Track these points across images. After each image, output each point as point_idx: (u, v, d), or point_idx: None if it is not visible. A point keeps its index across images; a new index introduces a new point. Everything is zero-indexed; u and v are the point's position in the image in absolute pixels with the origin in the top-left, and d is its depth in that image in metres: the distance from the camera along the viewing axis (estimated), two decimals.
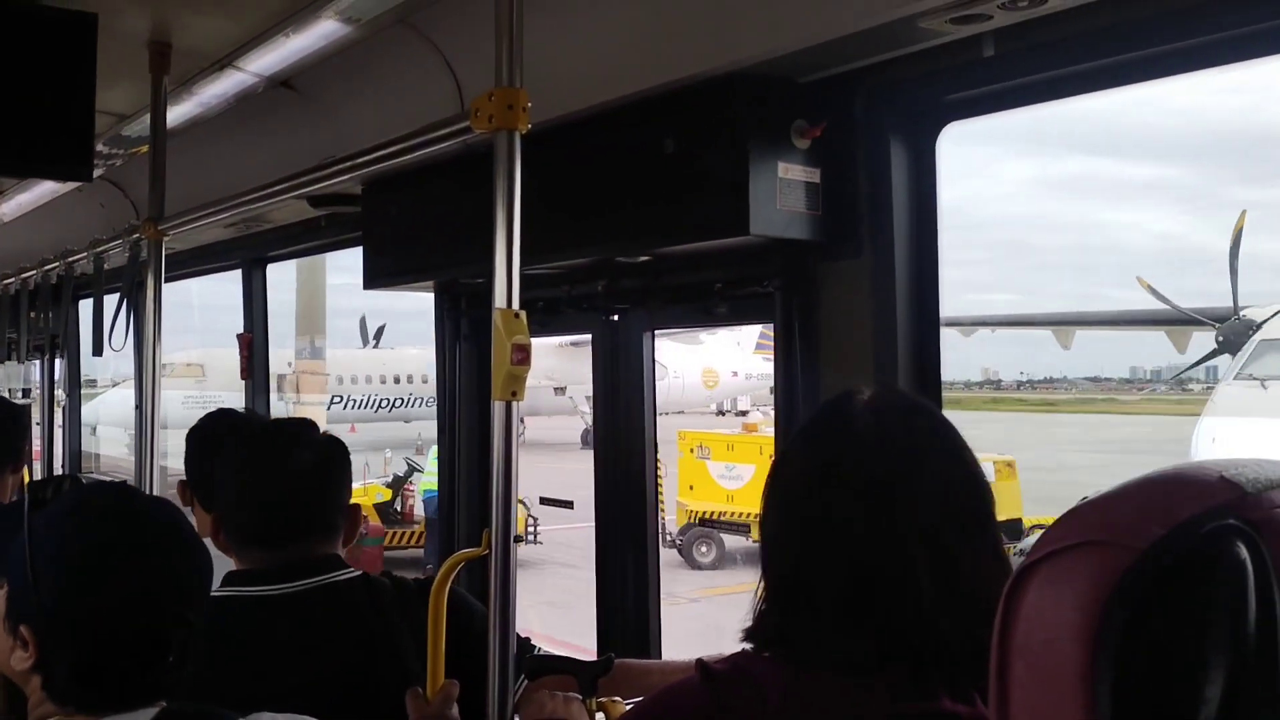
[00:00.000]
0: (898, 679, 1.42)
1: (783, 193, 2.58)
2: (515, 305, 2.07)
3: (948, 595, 1.44)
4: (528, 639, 2.43)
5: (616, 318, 3.45)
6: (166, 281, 4.14)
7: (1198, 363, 26.50)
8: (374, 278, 3.86)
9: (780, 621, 1.52)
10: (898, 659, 1.43)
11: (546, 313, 3.57)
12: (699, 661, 1.54)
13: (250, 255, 5.42)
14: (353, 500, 2.45)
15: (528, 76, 2.41)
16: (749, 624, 1.55)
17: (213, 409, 3.22)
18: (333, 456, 2.39)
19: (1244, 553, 1.05)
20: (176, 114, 4.06)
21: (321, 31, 3.18)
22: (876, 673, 1.43)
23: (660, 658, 3.45)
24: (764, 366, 41.18)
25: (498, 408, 2.03)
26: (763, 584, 1.56)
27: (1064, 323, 37.08)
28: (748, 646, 1.55)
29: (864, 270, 2.68)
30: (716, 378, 44.59)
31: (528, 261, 3.20)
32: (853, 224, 2.67)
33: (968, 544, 1.48)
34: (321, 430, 2.43)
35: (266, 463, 2.35)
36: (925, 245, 2.66)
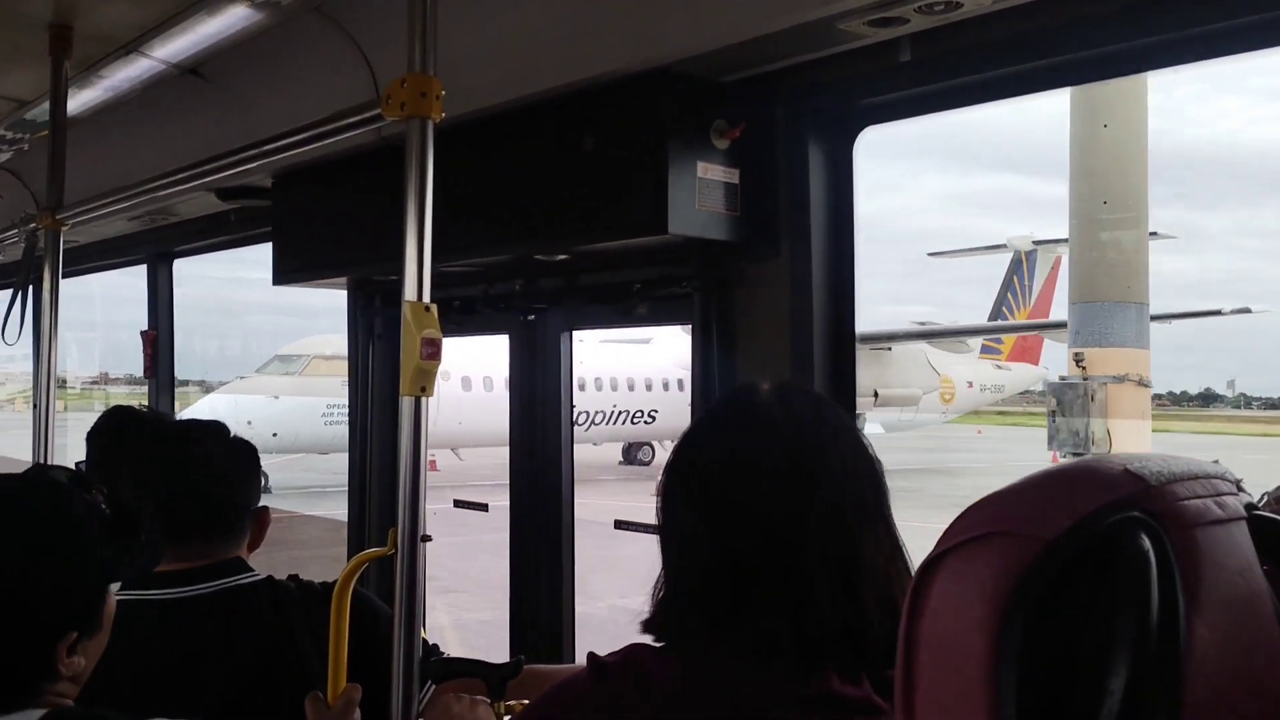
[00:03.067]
0: (789, 661, 1.43)
1: (702, 193, 2.57)
2: (426, 298, 2.02)
3: (845, 581, 1.45)
4: (435, 645, 2.37)
5: (534, 318, 3.41)
6: (66, 276, 3.99)
7: None
8: (284, 274, 3.76)
9: (677, 612, 1.51)
10: (791, 643, 1.43)
11: (462, 312, 3.52)
12: (590, 655, 1.53)
13: (156, 250, 5.25)
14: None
15: (444, 68, 2.35)
16: (646, 616, 1.54)
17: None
18: (240, 457, 2.33)
19: (1147, 545, 1.05)
20: (79, 101, 3.91)
21: (231, 17, 3.09)
22: (771, 657, 1.43)
23: (575, 661, 3.41)
24: (997, 375, 38.06)
25: (406, 404, 1.98)
26: (661, 576, 1.56)
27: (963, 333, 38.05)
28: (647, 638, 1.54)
29: (781, 271, 2.69)
30: (953, 390, 37.61)
31: (443, 259, 3.15)
32: (771, 225, 2.67)
33: (867, 531, 1.50)
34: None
35: (168, 460, 2.27)
36: (842, 247, 2.68)
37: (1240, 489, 1.27)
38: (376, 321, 3.82)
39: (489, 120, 2.88)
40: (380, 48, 3.03)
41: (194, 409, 23.60)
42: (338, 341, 27.13)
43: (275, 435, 23.01)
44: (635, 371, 30.45)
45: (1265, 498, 1.55)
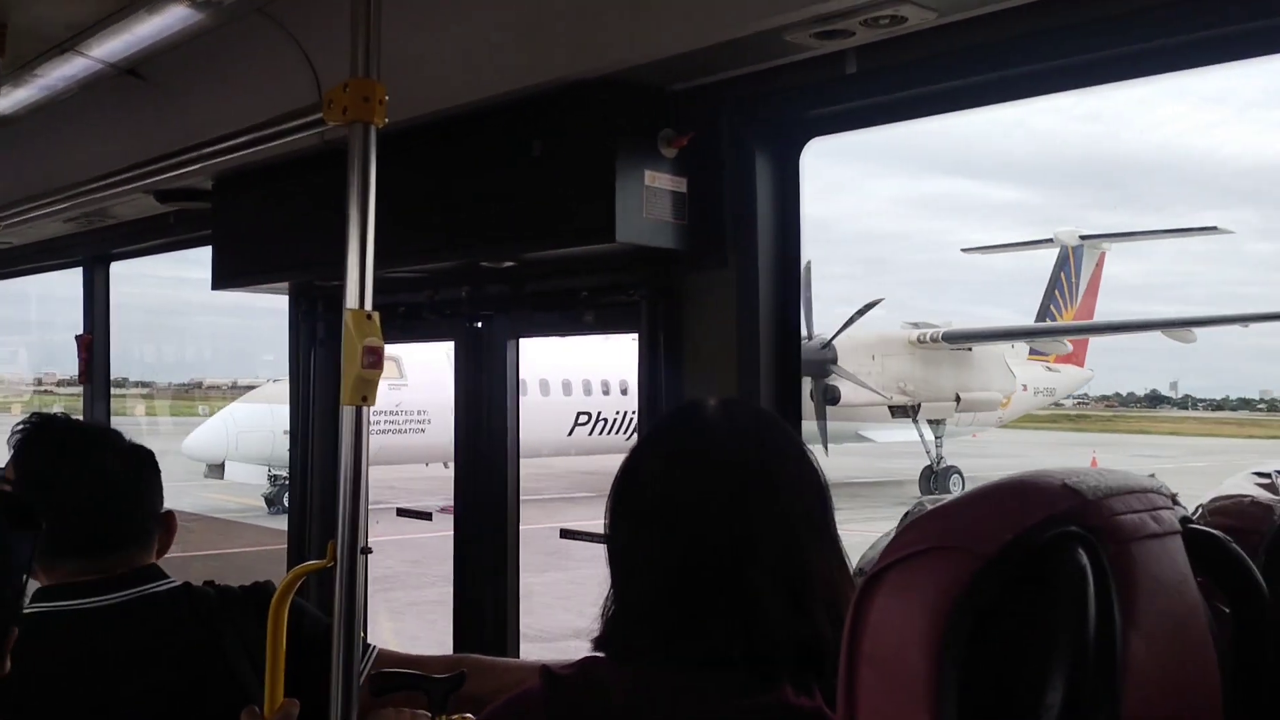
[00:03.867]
0: (742, 673, 1.43)
1: (649, 201, 2.57)
2: (368, 306, 1.98)
3: (794, 594, 1.46)
4: (373, 646, 2.34)
5: (480, 325, 3.39)
6: (1, 279, 3.88)
7: None
8: (223, 278, 3.70)
9: (627, 628, 1.51)
10: (742, 656, 1.43)
11: (408, 319, 3.48)
12: (543, 667, 1.52)
13: (93, 252, 5.13)
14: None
15: (390, 72, 2.32)
16: (597, 632, 1.53)
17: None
18: (144, 463, 2.29)
19: (1084, 559, 1.06)
20: (13, 100, 3.81)
21: (170, 17, 3.02)
22: (722, 670, 1.43)
23: None
24: (1048, 378, 35.71)
25: (347, 413, 1.95)
26: (611, 592, 1.55)
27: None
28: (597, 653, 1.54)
29: (729, 281, 2.69)
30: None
31: (388, 265, 3.12)
32: (718, 234, 2.67)
33: (814, 544, 1.50)
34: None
35: (70, 472, 2.22)
36: (788, 257, 2.69)
37: (1176, 502, 1.28)
38: (319, 327, 3.77)
39: (435, 125, 2.86)
40: (324, 50, 2.99)
41: (221, 417, 21.48)
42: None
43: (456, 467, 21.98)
44: None
45: (1200, 510, 1.57)
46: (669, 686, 1.44)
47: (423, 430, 21.37)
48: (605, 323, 3.05)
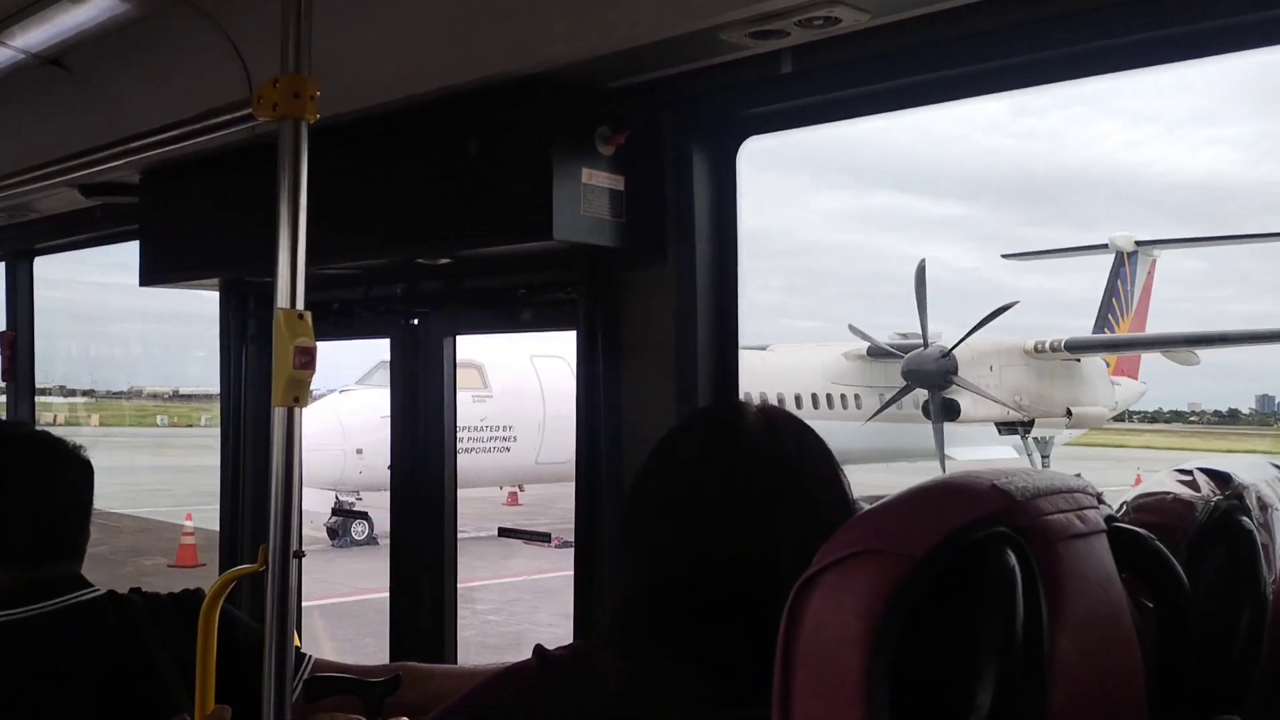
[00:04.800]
0: (742, 682, 1.41)
1: (587, 199, 2.56)
2: (299, 305, 1.95)
3: None
4: (308, 655, 2.31)
5: (417, 321, 3.35)
6: None
7: (896, 395, 26.70)
8: (151, 274, 3.61)
9: (631, 622, 1.50)
10: (746, 663, 1.42)
11: (342, 315, 3.43)
12: (538, 647, 1.52)
13: (15, 247, 4.99)
14: None
15: (324, 65, 2.26)
16: (604, 620, 1.57)
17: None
18: (88, 472, 2.24)
19: (1012, 560, 1.08)
20: None
21: (95, 8, 2.94)
22: (723, 675, 1.42)
23: None
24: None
25: (278, 414, 1.91)
26: (624, 584, 1.55)
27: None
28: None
29: (667, 278, 2.69)
30: None
31: (321, 261, 3.06)
32: (657, 232, 2.67)
33: None
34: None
35: (30, 479, 2.16)
36: (726, 255, 2.70)
37: (1101, 501, 1.31)
38: (250, 324, 3.70)
39: (370, 120, 2.82)
40: (254, 43, 2.93)
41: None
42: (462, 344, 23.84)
43: (391, 467, 19.23)
44: (778, 383, 25.72)
45: (1124, 507, 1.61)
46: (667, 683, 1.43)
47: (507, 449, 19.52)
48: (543, 320, 3.03)
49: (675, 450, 1.59)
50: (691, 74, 2.51)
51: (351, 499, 17.44)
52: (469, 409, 18.74)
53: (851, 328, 27.49)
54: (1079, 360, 27.39)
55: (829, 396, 27.20)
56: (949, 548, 1.07)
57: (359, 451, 16.69)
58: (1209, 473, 1.60)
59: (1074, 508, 1.20)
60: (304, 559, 1.94)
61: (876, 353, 27.42)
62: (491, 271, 3.05)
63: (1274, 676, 1.55)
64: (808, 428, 1.61)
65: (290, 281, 1.95)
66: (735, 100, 2.55)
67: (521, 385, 19.70)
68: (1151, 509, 1.56)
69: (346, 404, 17.60)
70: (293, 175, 1.95)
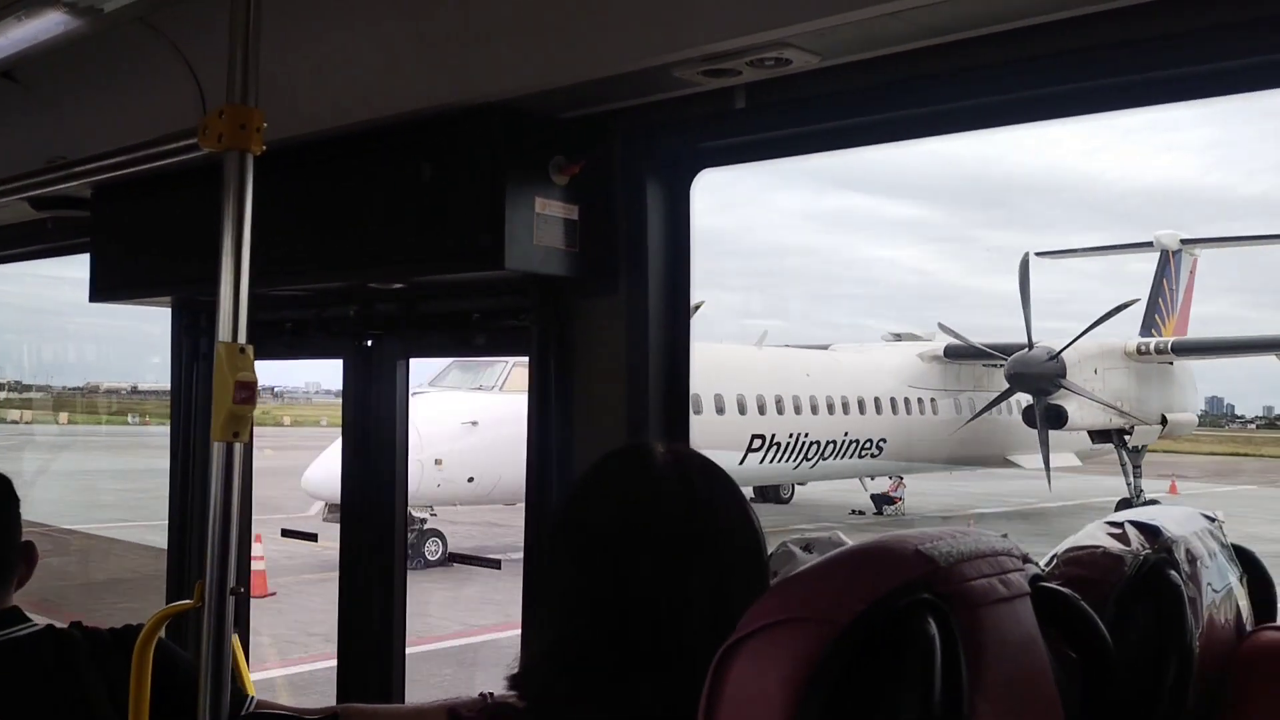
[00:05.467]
0: None
1: (540, 228, 2.56)
2: (242, 337, 1.93)
3: None
4: (255, 699, 2.28)
5: (370, 344, 3.33)
6: None
7: (997, 399, 25.22)
8: (103, 290, 3.57)
9: (547, 673, 1.49)
10: (665, 712, 1.40)
11: (295, 335, 3.41)
12: (450, 710, 1.55)
13: None
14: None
15: (279, 89, 2.25)
16: (516, 673, 1.52)
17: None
18: (7, 492, 2.20)
19: (933, 629, 1.09)
20: None
21: (47, 22, 2.89)
22: None
23: (404, 703, 3.33)
24: None
25: (218, 449, 1.89)
26: (541, 638, 1.54)
27: None
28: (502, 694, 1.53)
29: (619, 308, 2.70)
30: None
31: (274, 282, 3.05)
32: (610, 262, 2.68)
33: (750, 600, 1.49)
34: None
35: None
36: (678, 286, 2.71)
37: (1026, 561, 1.33)
38: (203, 342, 3.66)
39: (324, 143, 2.80)
40: (209, 63, 2.90)
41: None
42: None
43: (471, 480, 16.08)
44: (853, 385, 24.38)
45: (1055, 560, 1.62)
46: None
47: None
48: (497, 345, 3.03)
49: (586, 497, 1.59)
50: (646, 107, 2.52)
51: (425, 514, 16.13)
52: None
53: (942, 326, 26.18)
54: (1172, 364, 26.01)
55: (907, 401, 25.78)
56: (872, 616, 1.07)
57: (438, 462, 15.36)
58: (1139, 526, 1.62)
59: (997, 571, 1.21)
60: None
61: (956, 354, 26.07)
62: (445, 296, 3.04)
63: None
64: (716, 468, 1.59)
65: (232, 314, 1.93)
66: (689, 134, 2.56)
67: None
68: (1081, 562, 1.57)
69: (422, 409, 15.25)
70: (237, 206, 1.93)
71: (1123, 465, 26.12)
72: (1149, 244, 33.95)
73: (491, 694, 2.09)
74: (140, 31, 2.95)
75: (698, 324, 2.94)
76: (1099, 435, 25.61)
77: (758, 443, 21.83)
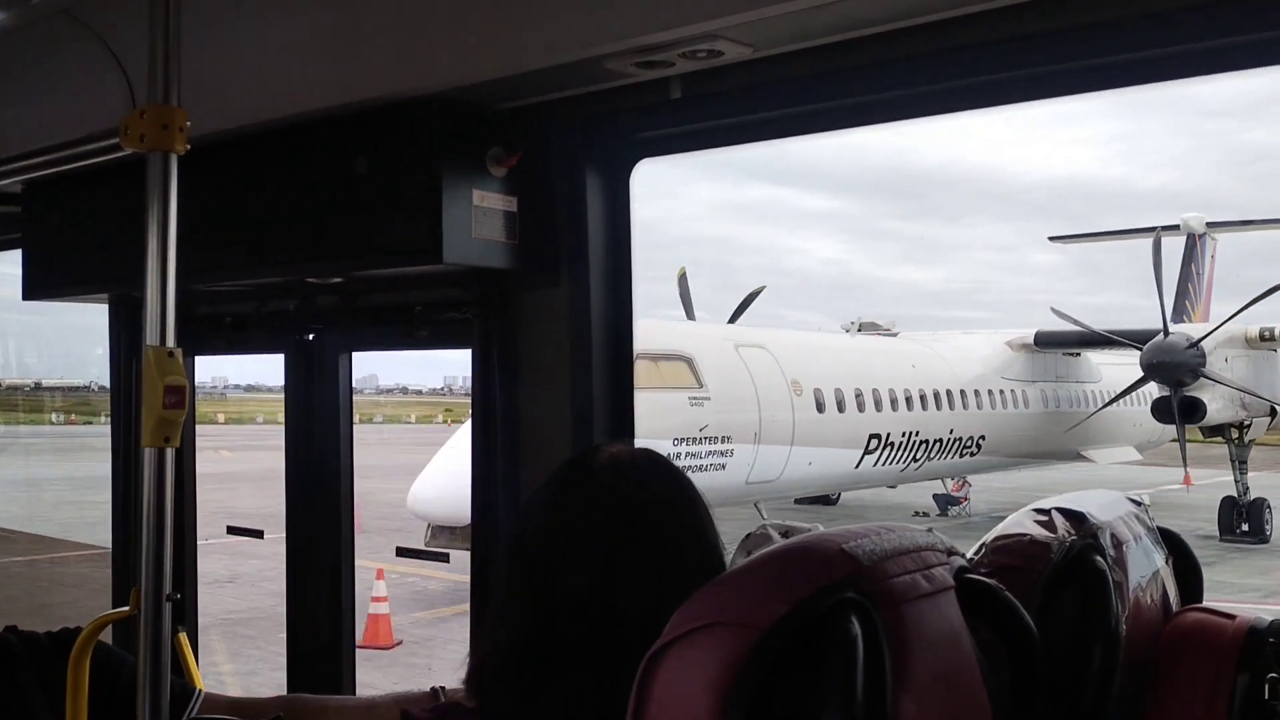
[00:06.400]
0: None
1: (479, 221, 2.54)
2: (170, 341, 1.90)
3: None
4: (195, 690, 2.26)
5: (311, 338, 3.30)
6: None
7: (1128, 389, 23.22)
8: (36, 288, 3.49)
9: (492, 673, 1.51)
10: (596, 711, 1.41)
11: (235, 330, 3.36)
12: (405, 713, 1.54)
13: None
14: None
15: (212, 82, 2.20)
16: (467, 675, 1.53)
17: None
18: None
19: (856, 629, 1.10)
20: None
21: None
22: None
23: (354, 694, 3.32)
24: None
25: (149, 455, 1.86)
26: (487, 638, 1.55)
27: None
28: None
29: (561, 298, 2.70)
30: None
31: (212, 278, 3.00)
32: (550, 254, 2.67)
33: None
34: None
35: None
36: (619, 276, 2.70)
37: (952, 554, 1.34)
38: (141, 340, 3.60)
39: (259, 136, 2.76)
40: (137, 57, 2.84)
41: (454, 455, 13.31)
42: (665, 335, 16.20)
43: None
44: (958, 379, 22.44)
45: (983, 549, 1.65)
46: None
47: (722, 466, 15.63)
48: (439, 338, 3.01)
49: (533, 501, 1.60)
50: (583, 98, 2.50)
51: None
52: (684, 415, 14.94)
53: (1055, 310, 23.50)
54: (1276, 350, 23.83)
55: (1002, 394, 23.81)
56: (796, 618, 1.08)
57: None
58: (1065, 512, 1.65)
59: (920, 567, 1.23)
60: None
61: (1047, 341, 24.35)
62: (387, 289, 3.01)
63: (1129, 712, 1.61)
64: (662, 467, 1.59)
65: (160, 316, 1.90)
66: (627, 124, 2.56)
67: (736, 382, 15.86)
68: (1009, 551, 1.60)
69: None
70: (161, 207, 1.90)
71: (1232, 461, 24.10)
72: (1175, 226, 32.33)
73: (444, 688, 2.09)
74: (68, 25, 2.89)
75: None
76: (1210, 430, 23.69)
77: (874, 443, 19.82)
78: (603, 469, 1.56)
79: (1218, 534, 22.57)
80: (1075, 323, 23.05)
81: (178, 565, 2.76)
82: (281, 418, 3.38)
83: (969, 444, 22.82)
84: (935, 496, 25.87)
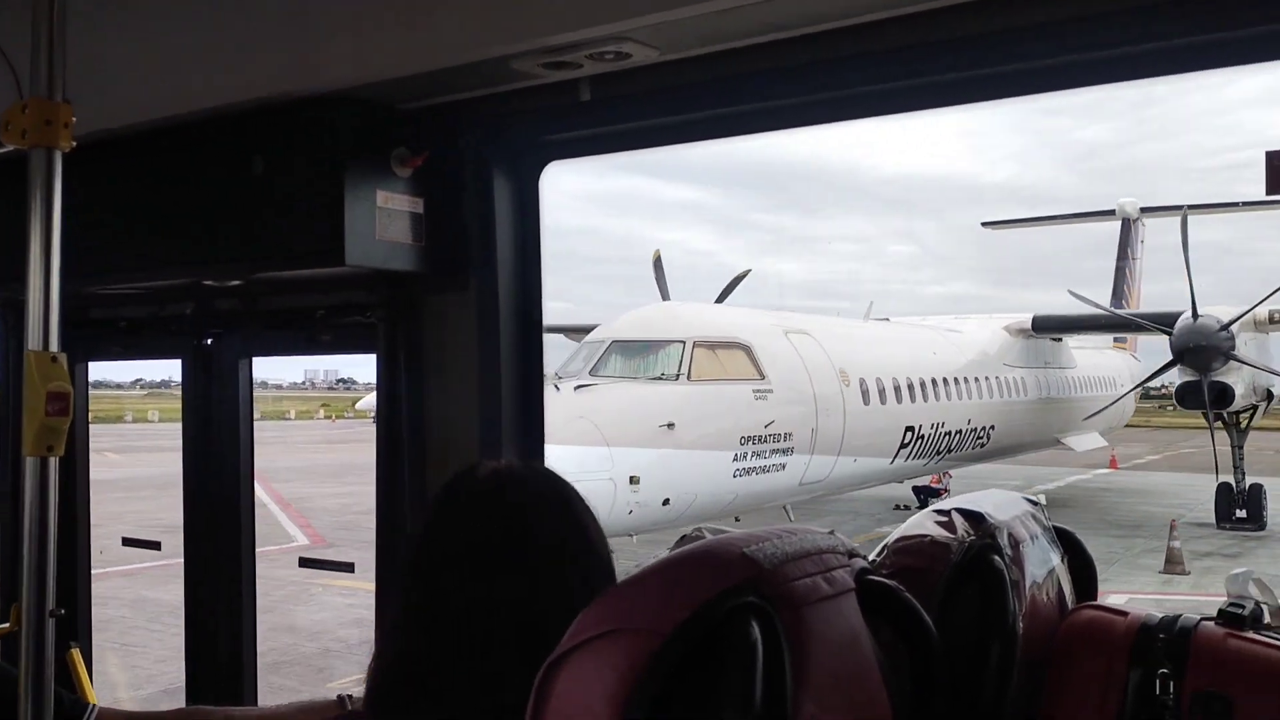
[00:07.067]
0: None
1: (383, 222, 2.49)
2: (54, 345, 1.82)
3: (534, 660, 1.45)
4: (89, 706, 2.17)
5: (210, 342, 3.20)
6: None
7: (1156, 373, 22.71)
8: None
9: (385, 686, 1.50)
10: (484, 714, 1.40)
11: (131, 334, 3.25)
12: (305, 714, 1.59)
13: None
14: None
15: (102, 75, 2.11)
16: (370, 688, 1.53)
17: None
18: None
19: (756, 633, 1.10)
20: None
21: None
22: None
23: (257, 704, 3.24)
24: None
25: (30, 465, 1.78)
26: (378, 652, 1.55)
27: None
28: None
29: (469, 302, 2.66)
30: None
31: (106, 280, 2.89)
32: (458, 256, 2.63)
33: (564, 610, 1.48)
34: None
35: None
36: (529, 278, 2.68)
37: (853, 556, 1.35)
38: None
39: (156, 133, 2.67)
40: (23, 49, 2.73)
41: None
42: (711, 318, 14.91)
43: (666, 503, 12.52)
44: (972, 366, 21.52)
45: (885, 549, 1.66)
46: None
47: (783, 466, 14.36)
48: (343, 342, 2.95)
49: (425, 517, 1.61)
50: (491, 98, 2.47)
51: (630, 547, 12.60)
52: (750, 411, 13.56)
53: (1073, 293, 22.42)
54: (1268, 334, 23.12)
55: (1006, 382, 23.06)
56: (696, 623, 1.07)
57: (633, 481, 11.80)
58: (964, 513, 1.68)
59: (822, 569, 1.23)
60: None
61: (1044, 326, 23.84)
62: (289, 292, 2.94)
63: (1026, 709, 1.64)
64: (544, 480, 1.59)
65: (43, 319, 1.82)
66: (535, 125, 2.53)
67: (794, 373, 14.65)
68: (910, 552, 1.62)
69: (595, 408, 12.00)
70: (45, 206, 1.82)
71: (1233, 448, 23.37)
72: (1111, 212, 33.23)
73: (350, 696, 2.05)
74: None
75: None
76: (1215, 414, 22.48)
77: (909, 436, 18.76)
78: (482, 480, 1.57)
79: (1214, 521, 22.40)
80: (1095, 305, 22.21)
81: (67, 579, 2.66)
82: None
83: (982, 434, 22.13)
84: (915, 489, 25.39)
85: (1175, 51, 1.84)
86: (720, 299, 21.82)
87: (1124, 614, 1.72)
